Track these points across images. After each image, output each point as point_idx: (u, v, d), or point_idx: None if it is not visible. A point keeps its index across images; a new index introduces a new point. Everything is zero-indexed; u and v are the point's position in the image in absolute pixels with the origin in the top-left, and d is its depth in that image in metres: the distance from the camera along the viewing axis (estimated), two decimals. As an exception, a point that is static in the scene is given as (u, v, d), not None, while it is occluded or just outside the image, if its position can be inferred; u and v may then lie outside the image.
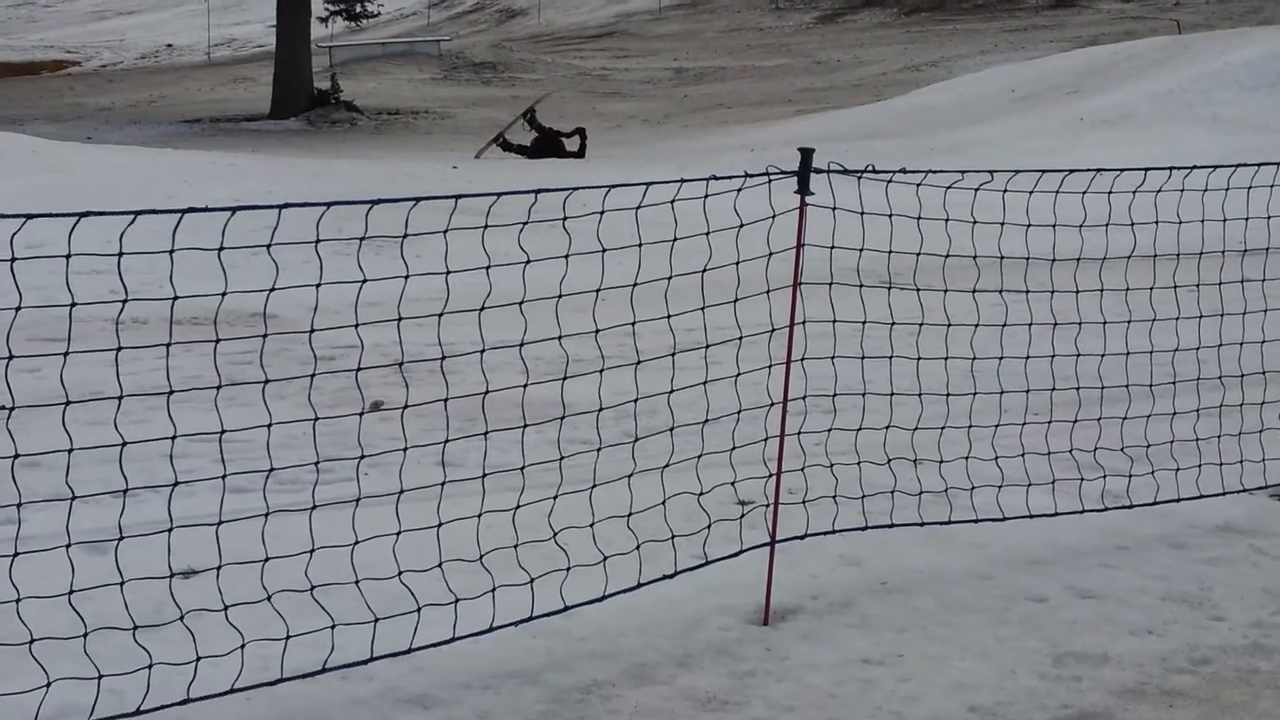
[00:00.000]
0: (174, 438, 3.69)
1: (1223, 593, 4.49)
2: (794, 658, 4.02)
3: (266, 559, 3.80)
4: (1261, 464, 5.45)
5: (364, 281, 3.96)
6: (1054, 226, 5.48)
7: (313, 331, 3.93)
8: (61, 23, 53.35)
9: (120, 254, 3.45)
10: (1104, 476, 5.25)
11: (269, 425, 3.90)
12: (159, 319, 7.92)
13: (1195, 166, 5.32)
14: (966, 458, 5.12)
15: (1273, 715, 3.73)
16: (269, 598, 3.76)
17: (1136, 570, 4.66)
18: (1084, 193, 5.10)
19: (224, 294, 3.75)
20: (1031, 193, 4.92)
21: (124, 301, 3.55)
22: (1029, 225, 5.25)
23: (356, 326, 4.04)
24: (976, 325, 5.18)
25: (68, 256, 3.37)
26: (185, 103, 31.39)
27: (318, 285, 3.86)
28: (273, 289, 3.78)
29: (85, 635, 3.52)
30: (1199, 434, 5.50)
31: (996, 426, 5.25)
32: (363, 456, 4.22)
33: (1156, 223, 5.34)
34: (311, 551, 3.88)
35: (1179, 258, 5.59)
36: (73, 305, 3.47)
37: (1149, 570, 4.67)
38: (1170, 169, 5.19)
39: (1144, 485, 5.22)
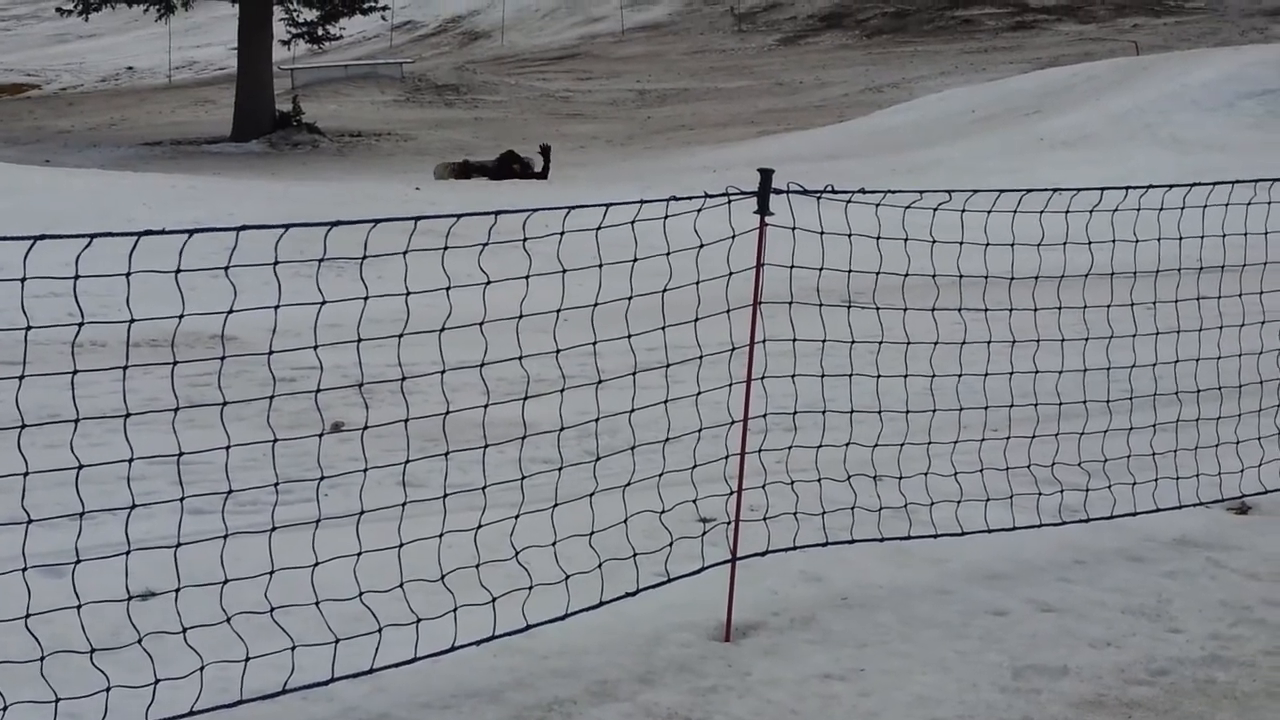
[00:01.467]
0: (131, 460, 3.68)
1: (1181, 605, 4.53)
2: (755, 673, 4.03)
3: (226, 580, 3.78)
4: (1218, 478, 5.51)
5: (323, 303, 3.95)
6: (1012, 245, 5.53)
7: (271, 353, 3.92)
8: (21, 45, 53.07)
9: (76, 276, 3.43)
10: (1061, 491, 5.30)
11: (228, 447, 3.88)
12: (117, 341, 7.88)
13: (1151, 186, 5.38)
14: (926, 474, 5.15)
15: (1229, 726, 3.76)
16: (228, 619, 3.74)
17: (1095, 584, 4.70)
18: (1042, 212, 5.16)
19: (181, 316, 3.74)
20: (990, 212, 4.97)
21: (80, 325, 3.53)
22: (987, 244, 5.29)
23: (316, 348, 4.03)
24: (935, 343, 5.22)
25: (23, 280, 3.36)
26: (146, 125, 31.24)
27: (276, 307, 3.85)
28: (231, 310, 3.77)
29: (42, 659, 3.50)
30: (1156, 449, 5.55)
31: (955, 443, 5.29)
32: (323, 478, 4.21)
33: (1114, 241, 5.40)
34: (271, 573, 3.86)
35: (1136, 275, 5.65)
36: (28, 328, 3.45)
37: (1107, 584, 4.70)
38: (1126, 188, 5.25)
39: (1101, 499, 5.27)
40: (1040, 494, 5.25)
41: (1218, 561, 4.90)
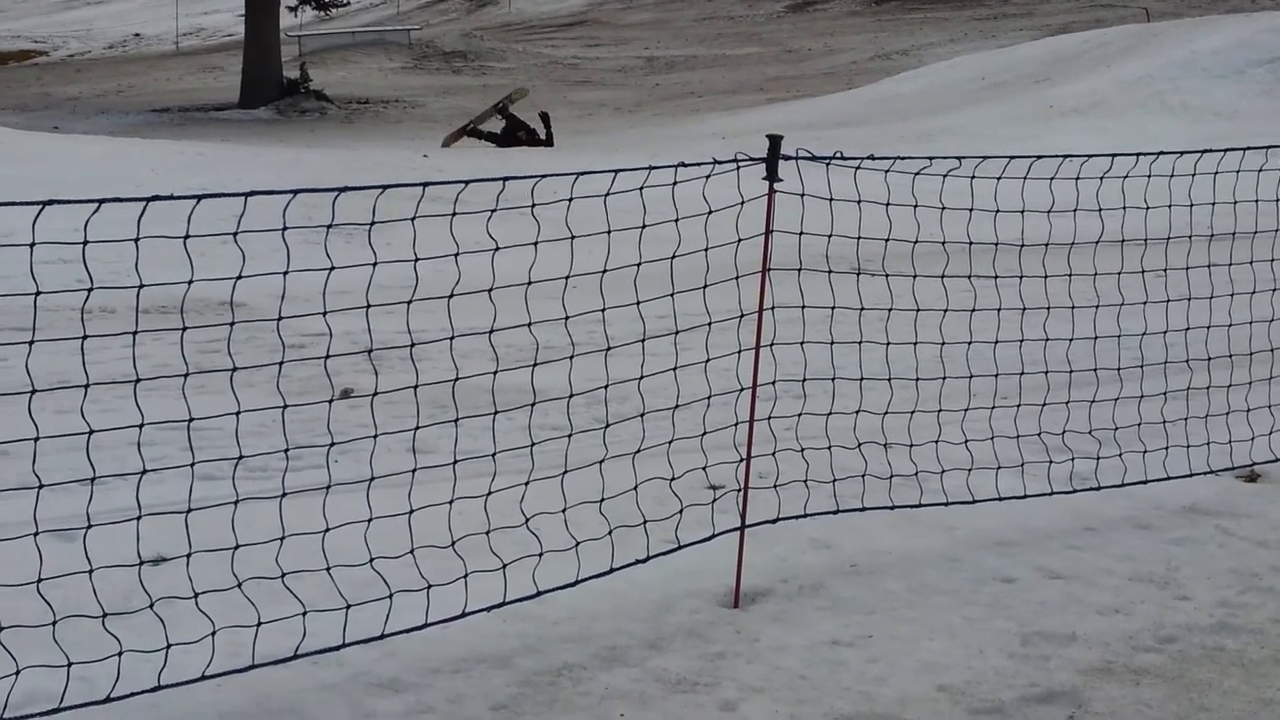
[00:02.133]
0: (141, 425, 3.68)
1: (1189, 573, 4.53)
2: (764, 640, 4.04)
3: (237, 546, 3.79)
4: (1228, 446, 5.50)
5: (331, 269, 3.95)
6: (1022, 212, 5.51)
7: (280, 319, 3.91)
8: (29, 12, 52.91)
9: (85, 242, 3.43)
10: (1072, 459, 5.29)
11: (237, 413, 3.89)
12: (127, 308, 7.89)
13: (1162, 152, 5.35)
14: (936, 441, 5.14)
15: (1239, 693, 3.77)
16: (239, 585, 3.75)
17: (1104, 551, 4.70)
18: (1052, 179, 5.14)
19: (190, 282, 3.73)
20: (1000, 179, 4.94)
21: (89, 290, 3.53)
22: (997, 211, 5.27)
23: (325, 314, 4.03)
24: (945, 310, 5.21)
25: (31, 245, 3.35)
26: (153, 92, 31.18)
27: (285, 273, 3.84)
28: (240, 276, 3.77)
29: (54, 623, 3.51)
30: (1166, 417, 5.55)
31: (966, 410, 5.28)
32: (333, 443, 4.21)
33: (1124, 208, 5.37)
34: (282, 538, 3.87)
35: (1146, 243, 5.63)
36: (38, 294, 3.44)
37: (1116, 551, 4.70)
38: (1137, 154, 5.22)
39: (1112, 467, 5.26)
40: (1051, 462, 5.24)
41: (1227, 529, 4.90)
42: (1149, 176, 5.34)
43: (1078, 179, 5.13)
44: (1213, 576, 4.49)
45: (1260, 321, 5.96)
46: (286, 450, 4.17)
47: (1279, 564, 4.59)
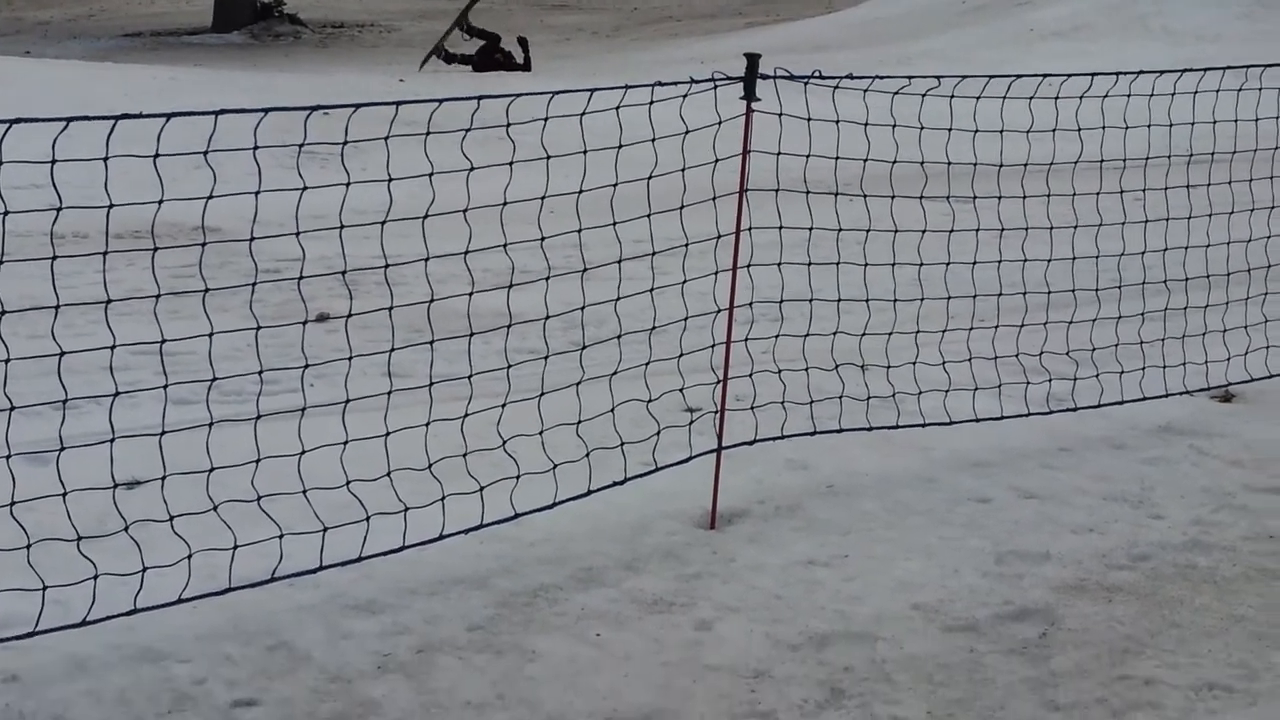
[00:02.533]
0: (113, 347, 3.65)
1: (1163, 492, 4.56)
2: (740, 560, 4.06)
3: (212, 469, 3.78)
4: (1204, 366, 5.52)
5: (304, 189, 3.90)
6: (1001, 133, 5.47)
7: (253, 239, 3.87)
8: (-5, -65, 51.94)
9: (53, 161, 3.38)
10: (1049, 380, 5.30)
11: (210, 335, 3.86)
12: (99, 233, 7.80)
13: (1141, 71, 5.32)
14: (914, 363, 5.14)
15: (1210, 609, 3.81)
16: (215, 508, 3.74)
17: (1078, 471, 4.72)
18: (1031, 99, 5.10)
19: (160, 202, 3.69)
20: (978, 99, 4.91)
21: (57, 210, 3.48)
22: (976, 131, 5.23)
23: (298, 234, 3.99)
24: (924, 232, 5.19)
25: (-2, 164, 3.29)
26: (125, 16, 30.71)
27: (256, 193, 3.80)
28: (210, 196, 3.72)
29: (28, 546, 3.50)
30: (1143, 337, 5.56)
31: (943, 332, 5.27)
32: (307, 366, 4.19)
33: (1103, 128, 5.34)
34: (257, 461, 3.86)
35: (1125, 163, 5.60)
36: (5, 214, 3.39)
37: (1090, 471, 4.73)
38: (1117, 74, 5.18)
39: (1088, 388, 5.28)
40: (1028, 383, 5.25)
41: (1201, 449, 4.92)
42: (1128, 96, 5.31)
43: (1057, 99, 5.10)
44: (1186, 495, 4.53)
45: (1238, 242, 5.97)
46: (261, 373, 4.15)
47: (1252, 483, 4.63)
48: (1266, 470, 4.73)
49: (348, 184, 3.97)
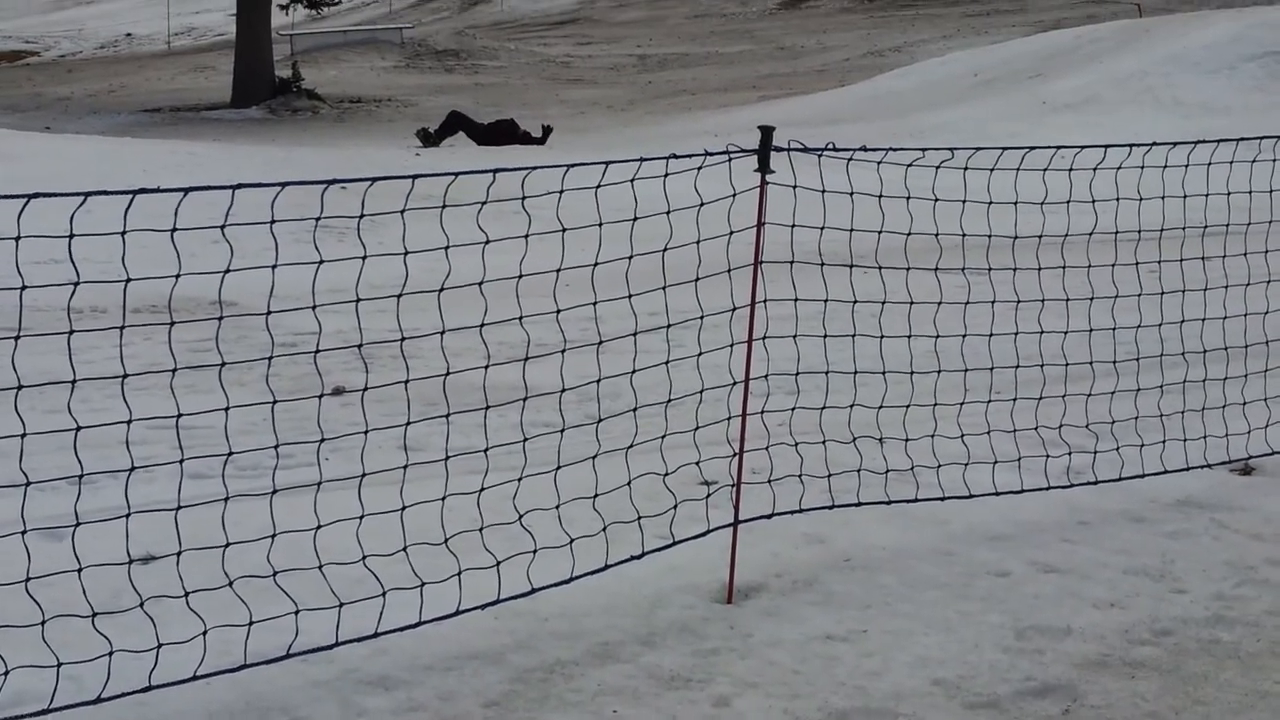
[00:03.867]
0: (129, 421, 3.65)
1: (1184, 566, 4.51)
2: (757, 635, 4.02)
3: (227, 544, 3.76)
4: (1224, 439, 5.48)
5: (321, 262, 3.91)
6: (1015, 204, 5.49)
7: (270, 313, 3.88)
8: (20, 13, 52.80)
9: (71, 235, 3.40)
10: (1069, 453, 5.27)
11: (227, 409, 3.86)
12: (117, 308, 7.85)
13: (1155, 143, 5.34)
14: (932, 436, 5.12)
15: (1235, 685, 3.75)
16: (230, 583, 3.72)
17: (1098, 545, 4.68)
18: (1045, 170, 5.12)
19: (178, 276, 3.71)
20: (993, 170, 4.93)
21: (75, 285, 3.50)
22: (990, 203, 5.25)
23: (314, 308, 4.00)
24: (939, 303, 5.19)
25: (17, 239, 3.32)
26: (145, 92, 31.11)
27: (274, 266, 3.82)
28: (228, 270, 3.74)
29: (43, 622, 3.48)
30: (1162, 410, 5.53)
31: (961, 404, 5.25)
32: (323, 440, 4.18)
33: (1118, 200, 5.35)
34: (273, 536, 3.84)
35: (1140, 235, 5.61)
36: (23, 288, 3.41)
37: (1111, 545, 4.68)
38: (1130, 145, 5.20)
39: (1107, 461, 5.24)
40: (1048, 456, 5.22)
41: (1222, 522, 4.88)
42: (1142, 168, 5.32)
43: (1070, 171, 5.11)
44: (1208, 569, 4.48)
45: (1255, 314, 5.95)
46: (277, 447, 4.14)
47: (1274, 557, 4.58)
48: (1289, 544, 4.68)
49: (364, 257, 3.98)
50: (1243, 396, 5.71)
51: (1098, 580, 4.39)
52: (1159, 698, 3.68)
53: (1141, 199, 5.46)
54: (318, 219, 4.03)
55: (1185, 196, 5.55)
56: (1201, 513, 4.96)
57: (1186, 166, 5.41)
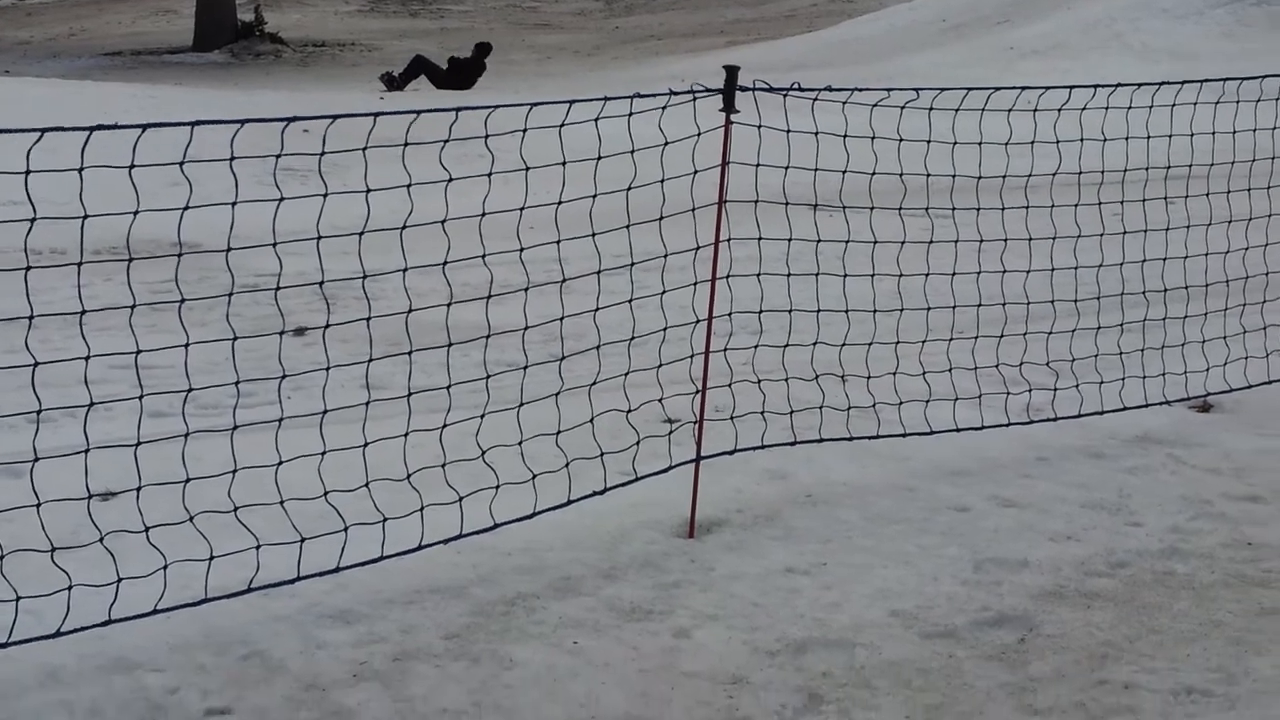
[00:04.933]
0: (88, 358, 3.62)
1: (1141, 500, 4.56)
2: (718, 568, 4.05)
3: (187, 480, 3.75)
4: (1183, 376, 5.53)
5: (281, 200, 3.89)
6: (980, 145, 5.50)
7: (229, 250, 3.85)
8: (-24, -44, 51.86)
9: (27, 172, 3.36)
10: (1029, 390, 5.31)
11: (186, 345, 3.83)
12: (77, 249, 7.77)
13: (1119, 84, 5.34)
14: (893, 374, 5.14)
15: (1188, 615, 3.81)
16: (191, 519, 3.71)
17: (1057, 480, 4.73)
18: (1009, 110, 5.12)
19: (136, 212, 3.67)
20: (957, 111, 4.93)
21: (32, 221, 3.46)
22: (955, 144, 5.25)
23: (275, 245, 3.98)
24: (903, 243, 5.20)
25: (-29, 176, 3.28)
26: (106, 36, 30.68)
27: (233, 204, 3.78)
28: (187, 207, 3.71)
29: (2, 557, 3.47)
30: (1122, 348, 5.57)
31: (924, 343, 5.28)
32: (284, 377, 4.17)
33: (1081, 141, 5.36)
34: (234, 472, 3.84)
35: (1103, 176, 5.63)
36: (-22, 223, 3.37)
37: (1069, 480, 4.73)
38: (1095, 86, 5.20)
39: (1067, 398, 5.29)
40: (1008, 393, 5.26)
41: (1179, 458, 4.93)
42: (1106, 109, 5.33)
43: (1035, 112, 5.12)
44: (1164, 504, 4.53)
45: (1215, 254, 5.99)
46: (237, 383, 4.12)
47: (1230, 491, 4.63)
48: (1244, 479, 4.74)
49: (325, 195, 3.96)
50: (1202, 335, 5.76)
51: (1055, 514, 4.44)
52: (1113, 627, 3.73)
53: (1105, 140, 5.48)
54: (278, 156, 4.00)
55: (1149, 138, 5.56)
56: (1159, 448, 5.02)
57: (1150, 109, 5.43)
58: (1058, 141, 5.26)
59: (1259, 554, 4.16)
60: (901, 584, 3.97)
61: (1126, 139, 5.53)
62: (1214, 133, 5.96)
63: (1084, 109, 5.29)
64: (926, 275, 5.39)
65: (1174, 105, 5.56)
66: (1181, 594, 3.91)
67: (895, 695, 3.43)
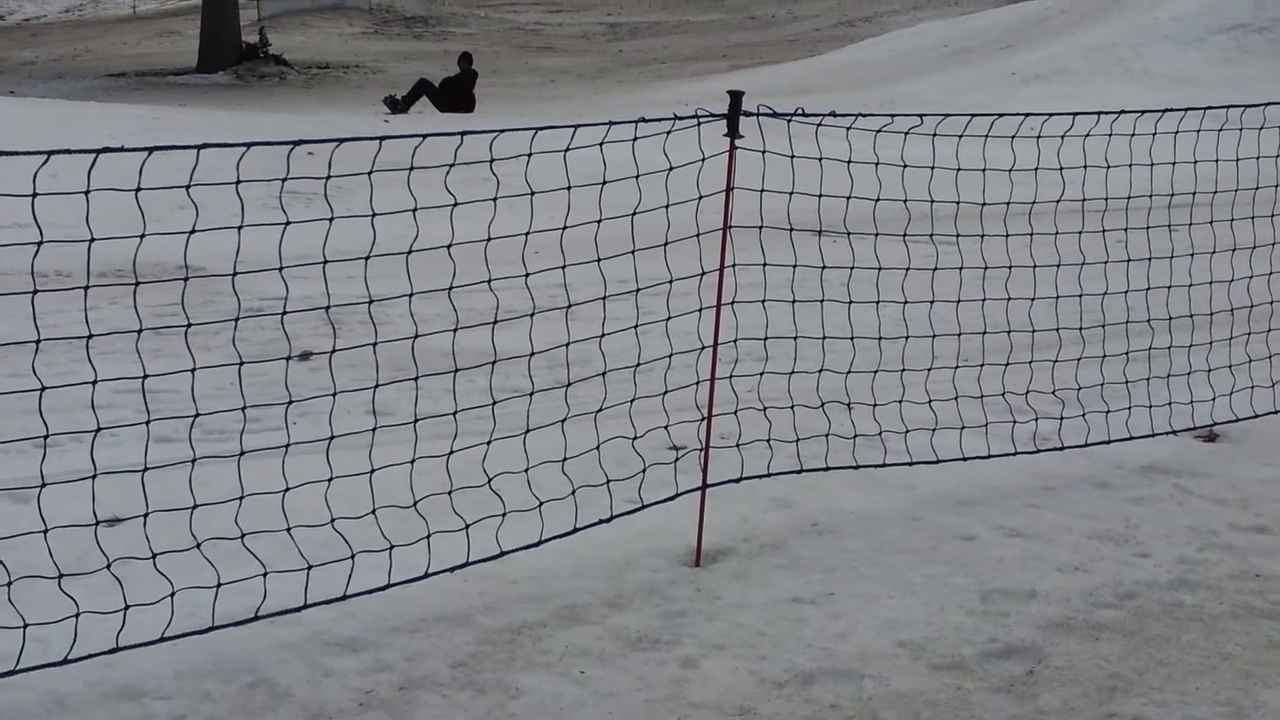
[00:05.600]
0: (94, 382, 3.62)
1: (1148, 530, 4.55)
2: (725, 597, 4.03)
3: (195, 506, 3.75)
4: (1189, 406, 5.53)
5: (287, 224, 3.89)
6: (983, 171, 5.50)
7: (235, 274, 3.85)
8: (-19, -24, 52.05)
9: (34, 194, 3.37)
10: (1035, 419, 5.31)
11: (193, 370, 3.83)
12: (83, 272, 7.78)
13: (1122, 111, 5.35)
14: (899, 401, 5.14)
15: (1196, 647, 3.79)
16: (198, 545, 3.70)
17: (1063, 510, 4.72)
18: (1013, 137, 5.13)
19: (142, 236, 3.67)
20: (960, 138, 4.93)
21: (39, 244, 3.46)
22: (959, 170, 5.26)
23: (280, 270, 3.97)
24: (907, 269, 5.20)
25: (-19, 197, 3.28)
26: (110, 57, 30.78)
27: (239, 228, 3.79)
28: (193, 231, 3.71)
29: (9, 584, 3.47)
30: (1128, 377, 5.57)
31: (929, 370, 5.28)
32: (290, 402, 4.16)
33: (1085, 168, 5.37)
34: (241, 498, 3.83)
35: (1107, 203, 5.63)
36: (-12, 248, 3.38)
37: (1076, 509, 4.72)
38: (1099, 113, 5.21)
39: (1074, 427, 5.28)
40: (1014, 422, 5.25)
41: (1185, 488, 4.92)
42: (1109, 136, 5.34)
43: (1039, 139, 5.13)
44: (1171, 534, 4.52)
45: (1220, 282, 5.99)
46: (244, 409, 4.13)
47: (1237, 522, 4.62)
48: (1251, 509, 4.73)
49: (330, 219, 3.96)
50: (1208, 364, 5.76)
51: (1062, 544, 4.43)
52: (1122, 659, 3.72)
53: (1109, 167, 5.49)
54: (284, 180, 4.00)
55: (1152, 165, 5.57)
56: (1166, 478, 5.01)
57: (1154, 135, 5.44)
58: (1061, 168, 5.27)
59: (1267, 585, 4.15)
60: (908, 614, 3.96)
61: (1130, 165, 5.53)
62: (1217, 160, 5.97)
63: (1087, 135, 5.30)
64: (931, 302, 5.40)
65: (1177, 132, 5.57)
66: (1190, 626, 3.90)
67: (903, 726, 3.41)
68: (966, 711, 3.48)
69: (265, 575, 3.75)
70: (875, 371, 5.17)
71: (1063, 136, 5.20)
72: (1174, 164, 5.66)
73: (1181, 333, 5.85)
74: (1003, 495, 4.82)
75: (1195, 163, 5.78)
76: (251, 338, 6.49)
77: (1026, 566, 4.26)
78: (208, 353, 5.70)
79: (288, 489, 3.89)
